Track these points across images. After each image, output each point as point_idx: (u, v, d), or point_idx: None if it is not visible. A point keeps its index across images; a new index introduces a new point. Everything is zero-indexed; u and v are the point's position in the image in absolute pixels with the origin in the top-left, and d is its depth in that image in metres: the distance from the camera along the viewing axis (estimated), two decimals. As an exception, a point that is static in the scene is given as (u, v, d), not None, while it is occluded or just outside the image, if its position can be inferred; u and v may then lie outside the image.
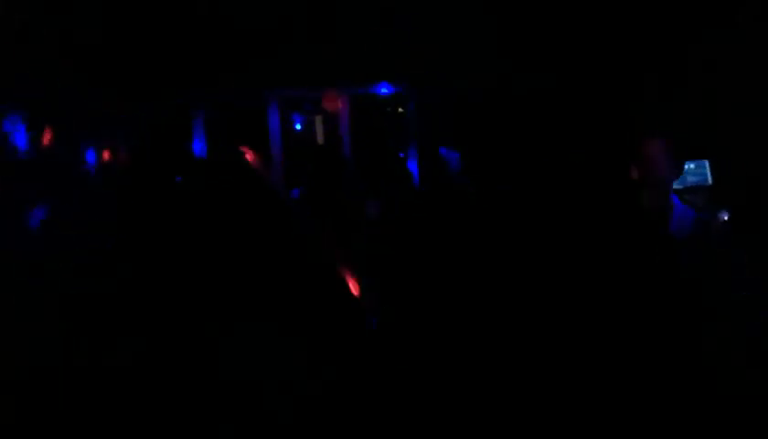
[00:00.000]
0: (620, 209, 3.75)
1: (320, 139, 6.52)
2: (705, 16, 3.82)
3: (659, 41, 4.08)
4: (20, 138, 4.48)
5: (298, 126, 6.51)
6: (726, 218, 3.52)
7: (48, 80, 4.12)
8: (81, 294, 2.56)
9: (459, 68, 5.46)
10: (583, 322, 2.71)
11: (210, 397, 2.07)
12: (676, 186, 3.60)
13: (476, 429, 2.45)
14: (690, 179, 3.75)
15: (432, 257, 3.61)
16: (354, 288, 3.22)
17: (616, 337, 2.62)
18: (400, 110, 6.58)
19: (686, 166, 3.64)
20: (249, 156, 2.99)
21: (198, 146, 5.94)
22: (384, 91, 6.30)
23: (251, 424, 2.16)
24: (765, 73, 3.60)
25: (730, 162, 3.72)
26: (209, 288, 2.23)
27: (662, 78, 4.13)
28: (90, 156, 5.00)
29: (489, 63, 5.22)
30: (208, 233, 2.45)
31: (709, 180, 3.82)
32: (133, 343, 2.28)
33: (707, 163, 3.74)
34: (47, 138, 3.72)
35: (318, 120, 6.51)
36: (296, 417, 2.27)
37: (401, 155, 6.80)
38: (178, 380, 2.09)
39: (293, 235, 2.73)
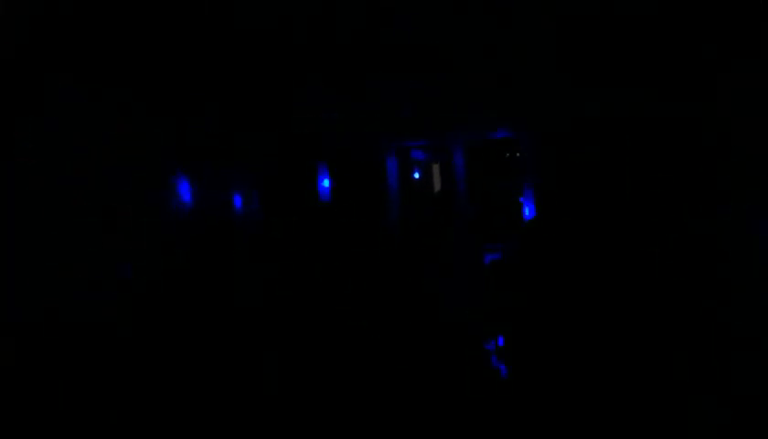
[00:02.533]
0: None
1: (437, 187, 6.61)
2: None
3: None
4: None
5: (416, 175, 6.65)
6: None
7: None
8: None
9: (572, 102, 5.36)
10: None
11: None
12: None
13: None
14: None
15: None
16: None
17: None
18: (518, 154, 6.52)
19: None
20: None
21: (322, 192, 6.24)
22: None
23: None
24: None
25: None
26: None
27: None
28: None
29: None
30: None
31: None
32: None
33: None
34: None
35: (435, 168, 6.62)
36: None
37: (521, 199, 6.70)
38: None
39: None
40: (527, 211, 6.24)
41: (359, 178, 6.25)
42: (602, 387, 3.11)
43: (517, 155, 6.51)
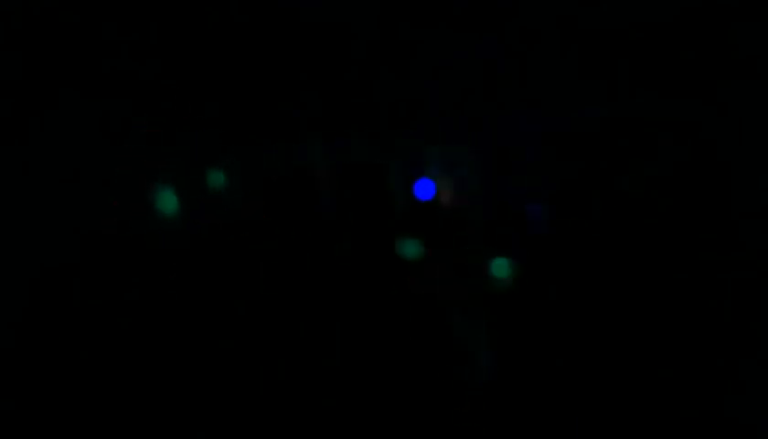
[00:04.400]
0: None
1: (446, 200, 6.57)
2: None
3: None
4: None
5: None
6: None
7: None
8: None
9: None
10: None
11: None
12: None
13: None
14: None
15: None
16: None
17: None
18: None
19: None
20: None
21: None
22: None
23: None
24: None
25: None
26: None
27: None
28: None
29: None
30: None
31: None
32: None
33: None
34: None
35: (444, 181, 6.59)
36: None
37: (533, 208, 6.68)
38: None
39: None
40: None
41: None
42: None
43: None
